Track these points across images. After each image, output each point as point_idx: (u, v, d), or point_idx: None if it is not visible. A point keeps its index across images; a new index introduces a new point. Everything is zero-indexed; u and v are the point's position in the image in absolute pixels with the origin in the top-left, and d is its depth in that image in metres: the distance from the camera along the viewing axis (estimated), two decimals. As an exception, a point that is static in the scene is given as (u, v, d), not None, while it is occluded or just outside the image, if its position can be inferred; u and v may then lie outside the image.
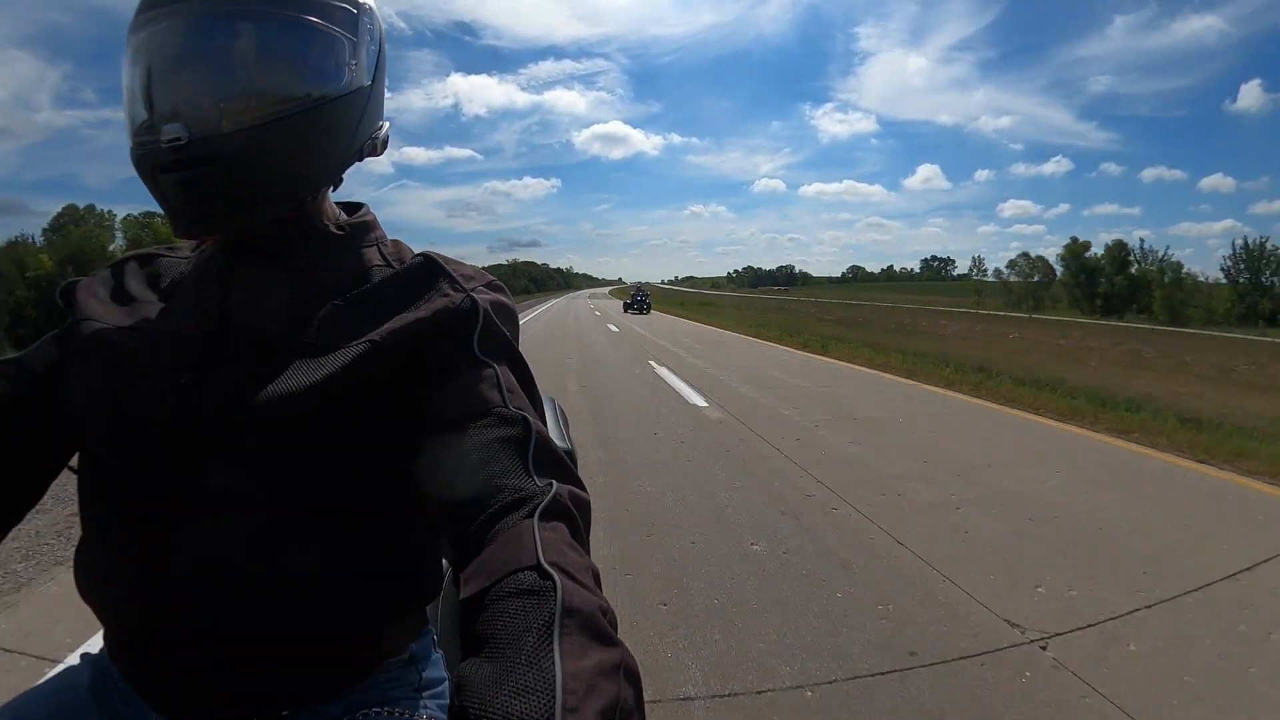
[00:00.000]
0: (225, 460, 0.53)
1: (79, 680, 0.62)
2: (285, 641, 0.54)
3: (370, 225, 0.67)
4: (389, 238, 0.69)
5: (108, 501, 0.57)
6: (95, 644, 0.63)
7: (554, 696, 0.34)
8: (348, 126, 0.61)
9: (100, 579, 0.58)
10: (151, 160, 0.55)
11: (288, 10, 0.56)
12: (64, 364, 0.63)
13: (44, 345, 0.65)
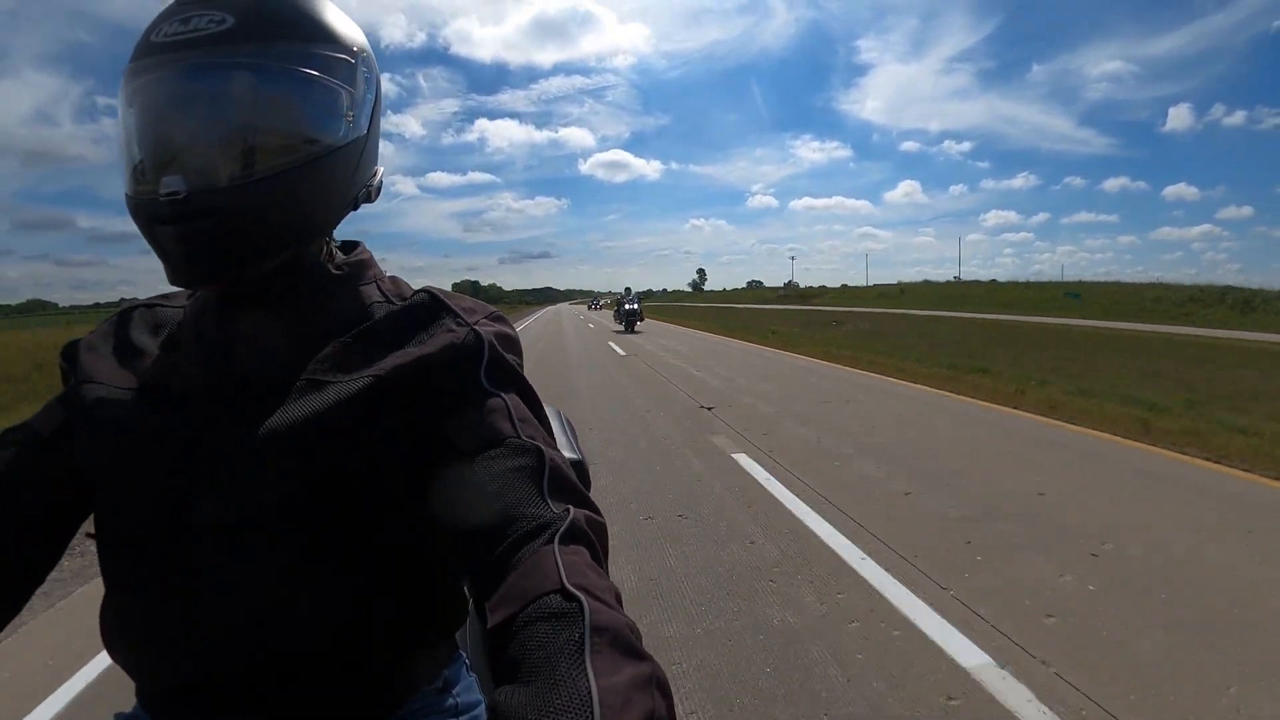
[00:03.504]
0: (241, 506, 0.53)
1: None
2: (319, 676, 0.55)
3: (367, 264, 0.66)
4: (387, 275, 0.68)
5: (128, 557, 0.56)
6: (127, 703, 0.61)
7: (592, 713, 0.33)
8: (345, 177, 0.60)
9: (127, 634, 0.57)
10: (148, 211, 0.53)
11: (287, 64, 0.55)
12: (71, 426, 0.61)
13: (50, 409, 0.63)
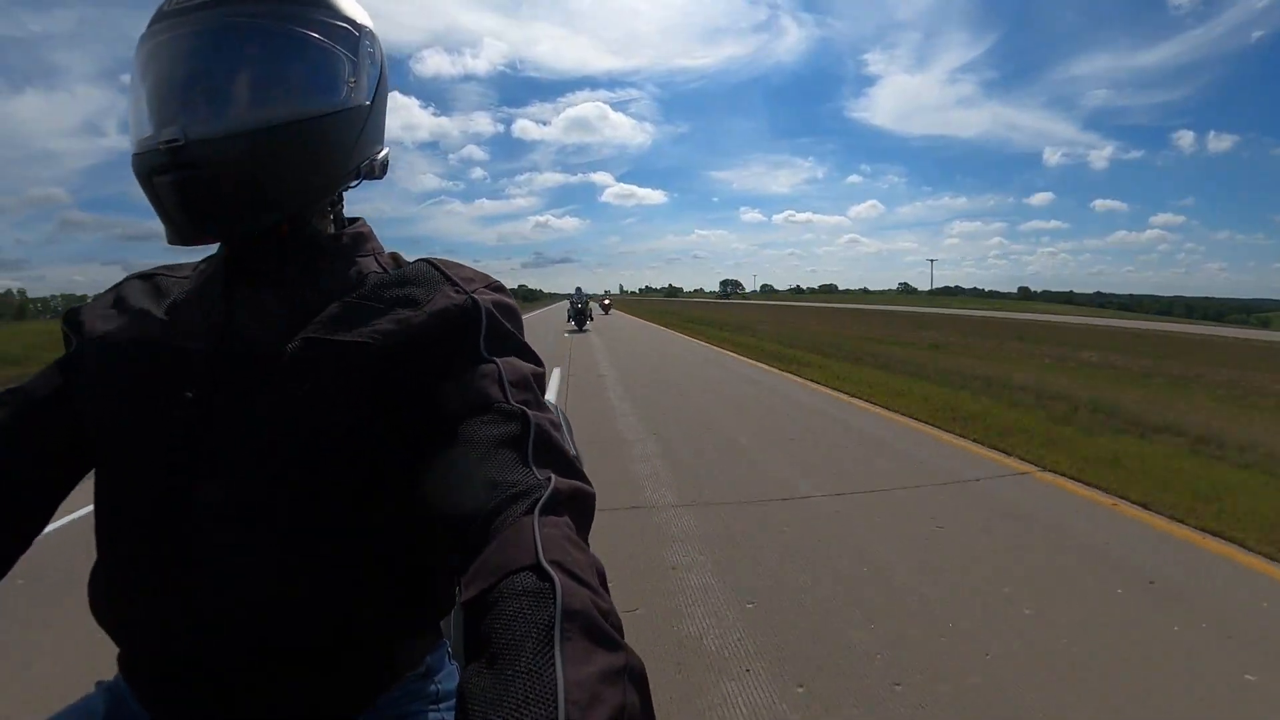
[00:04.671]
0: (236, 475, 0.53)
1: (94, 709, 0.60)
2: (301, 658, 0.54)
3: (366, 236, 0.66)
4: (386, 250, 0.68)
5: (121, 521, 0.57)
6: (110, 672, 0.62)
7: (556, 707, 0.32)
8: (344, 143, 0.61)
9: (115, 599, 0.57)
10: (149, 163, 0.55)
11: (288, 24, 0.56)
12: (68, 390, 0.61)
13: (47, 372, 0.63)
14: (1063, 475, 4.43)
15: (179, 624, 0.53)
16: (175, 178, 0.54)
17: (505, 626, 0.37)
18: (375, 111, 0.64)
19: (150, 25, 0.56)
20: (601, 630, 0.37)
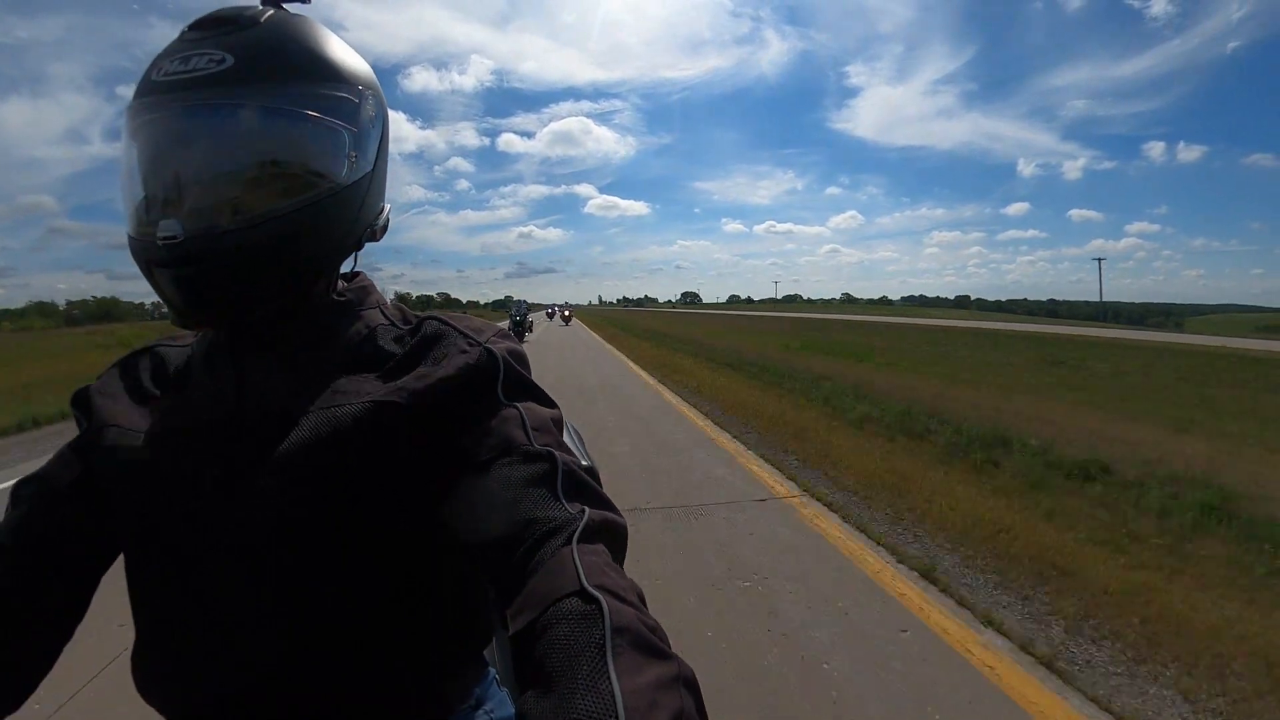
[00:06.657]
0: (269, 540, 0.53)
1: None
2: (351, 702, 0.54)
3: (368, 289, 0.66)
4: (389, 300, 0.68)
5: (158, 598, 0.56)
6: None
7: (617, 717, 0.33)
8: (348, 217, 0.59)
9: (160, 674, 0.57)
10: (146, 254, 0.53)
11: (285, 104, 0.54)
12: (88, 475, 0.59)
13: (64, 459, 0.61)
14: (626, 357, 15.48)
15: (228, 683, 0.53)
16: (175, 273, 0.52)
17: (558, 650, 0.37)
18: (377, 173, 0.61)
19: (138, 96, 0.54)
20: (650, 643, 0.37)
